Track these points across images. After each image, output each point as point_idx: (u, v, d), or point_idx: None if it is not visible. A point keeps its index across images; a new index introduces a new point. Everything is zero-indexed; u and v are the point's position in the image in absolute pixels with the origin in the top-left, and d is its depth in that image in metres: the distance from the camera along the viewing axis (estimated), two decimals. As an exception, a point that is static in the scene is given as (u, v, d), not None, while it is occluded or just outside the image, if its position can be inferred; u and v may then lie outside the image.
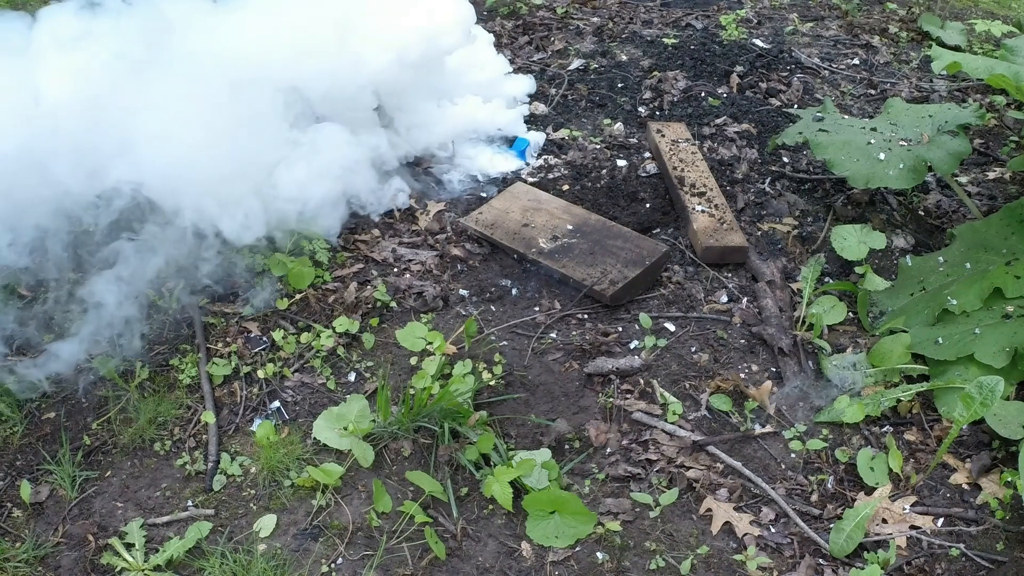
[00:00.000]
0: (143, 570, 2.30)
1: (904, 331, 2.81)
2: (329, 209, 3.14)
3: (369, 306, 3.00)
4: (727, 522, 2.41)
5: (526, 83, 4.08)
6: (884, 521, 2.41)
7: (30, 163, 2.36)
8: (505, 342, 2.90)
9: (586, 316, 3.00)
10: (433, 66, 3.26)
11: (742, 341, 2.92)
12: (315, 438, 2.60)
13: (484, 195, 3.51)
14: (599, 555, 2.34)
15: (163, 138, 2.47)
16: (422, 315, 2.98)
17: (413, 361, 2.81)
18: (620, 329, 2.95)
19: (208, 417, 2.67)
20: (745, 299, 3.06)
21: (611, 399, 2.70)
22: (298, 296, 3.02)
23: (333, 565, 2.33)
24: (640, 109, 4.09)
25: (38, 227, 2.66)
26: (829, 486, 2.51)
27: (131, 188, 2.63)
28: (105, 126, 2.44)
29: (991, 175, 3.71)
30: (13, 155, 2.32)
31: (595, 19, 4.89)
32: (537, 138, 3.77)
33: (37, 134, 2.34)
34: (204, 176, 2.61)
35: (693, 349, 2.89)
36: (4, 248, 2.58)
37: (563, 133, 3.90)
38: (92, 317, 2.79)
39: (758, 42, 4.64)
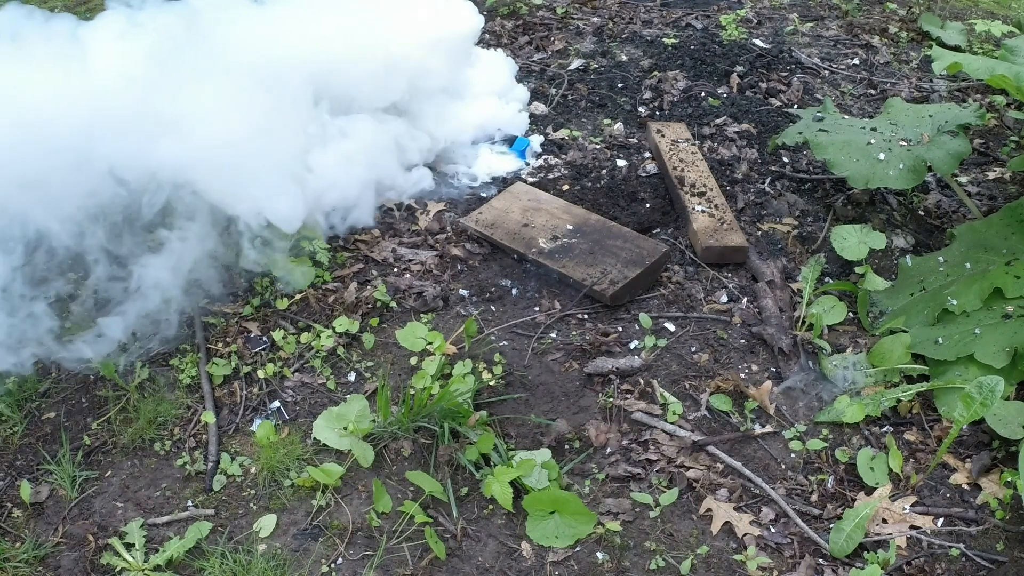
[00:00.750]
0: (143, 570, 2.30)
1: (904, 331, 2.81)
2: (363, 193, 3.25)
3: (369, 306, 3.00)
4: (727, 522, 2.41)
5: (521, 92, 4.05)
6: (884, 521, 2.41)
7: (82, 150, 2.46)
8: (505, 342, 2.90)
9: (586, 316, 3.00)
10: (443, 69, 3.44)
11: (742, 341, 2.92)
12: (315, 438, 2.60)
13: (484, 195, 3.51)
14: (599, 555, 2.34)
15: (207, 126, 2.59)
16: (422, 315, 2.98)
17: (413, 361, 2.81)
18: (620, 329, 2.95)
19: (208, 417, 2.67)
20: (745, 299, 3.06)
21: (611, 399, 2.70)
22: (298, 296, 3.02)
23: (333, 565, 2.33)
24: (640, 109, 4.09)
25: (88, 209, 2.73)
26: (829, 486, 2.51)
27: (175, 174, 2.70)
28: (153, 114, 2.55)
29: (991, 175, 3.72)
30: (66, 142, 2.42)
31: (595, 19, 4.89)
32: (533, 143, 3.77)
33: (92, 121, 2.45)
34: (248, 163, 2.73)
35: (693, 349, 2.89)
36: (56, 227, 2.63)
37: (563, 133, 3.90)
38: (137, 299, 2.83)
39: (758, 42, 4.64)
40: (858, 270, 3.11)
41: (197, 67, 2.63)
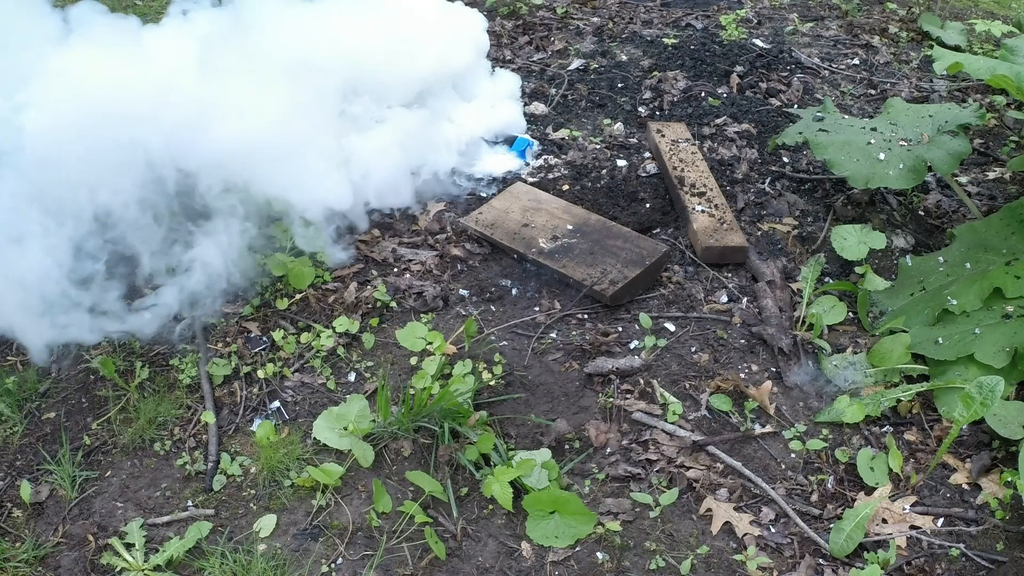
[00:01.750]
0: (143, 570, 2.30)
1: (904, 331, 2.81)
2: (401, 179, 3.36)
3: (369, 306, 3.00)
4: (727, 522, 2.41)
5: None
6: (884, 521, 2.41)
7: (142, 135, 2.62)
8: (505, 342, 2.90)
9: (586, 316, 3.00)
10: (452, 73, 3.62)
11: (742, 341, 2.92)
12: (315, 438, 2.60)
13: (484, 195, 3.51)
14: (599, 555, 2.34)
15: (258, 115, 2.77)
16: (422, 315, 2.98)
17: (413, 361, 2.81)
18: (620, 329, 2.95)
19: (208, 417, 2.67)
20: (745, 299, 3.06)
21: (611, 399, 2.70)
22: (298, 296, 3.02)
23: (333, 565, 2.33)
24: (640, 109, 4.09)
25: (145, 189, 2.83)
26: (829, 486, 2.51)
27: (228, 159, 2.83)
28: (209, 103, 2.73)
29: (991, 175, 3.72)
30: (129, 128, 2.59)
31: (595, 19, 4.89)
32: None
33: (152, 108, 2.62)
34: (298, 149, 2.91)
35: (693, 349, 2.89)
36: (114, 204, 2.72)
37: (563, 133, 3.90)
38: (190, 274, 2.92)
39: (758, 42, 4.64)
40: (858, 270, 3.11)
41: (249, 61, 2.84)
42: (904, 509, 2.43)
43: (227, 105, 2.73)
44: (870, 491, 2.48)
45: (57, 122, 2.46)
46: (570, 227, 3.22)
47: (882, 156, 3.13)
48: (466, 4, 4.93)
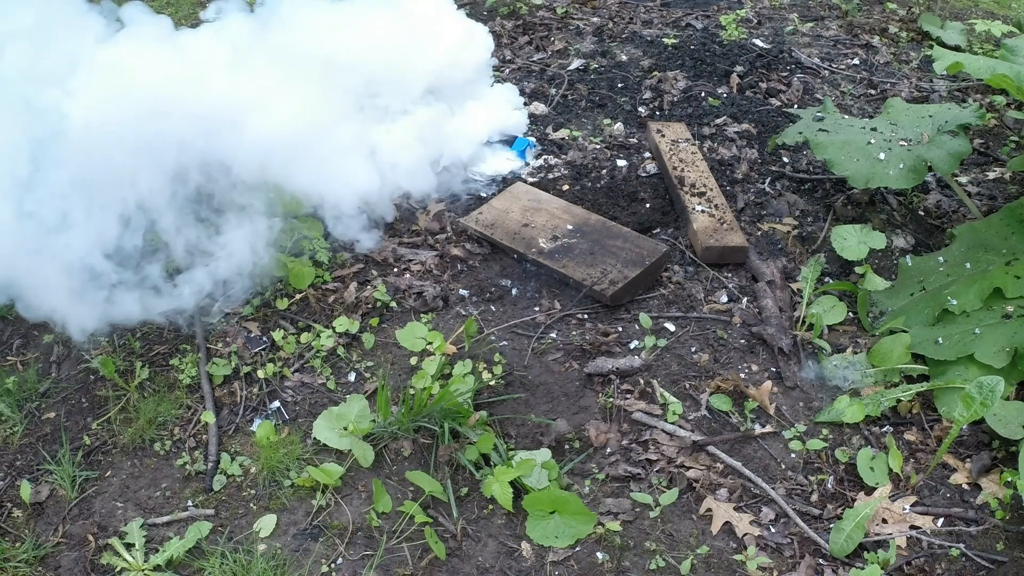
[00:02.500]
0: (143, 570, 2.31)
1: (904, 331, 2.81)
2: (425, 170, 3.44)
3: (369, 306, 3.00)
4: (727, 522, 2.41)
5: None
6: (884, 521, 2.41)
7: (181, 128, 2.74)
8: (505, 342, 2.90)
9: (586, 316, 3.00)
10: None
11: (742, 341, 2.92)
12: (315, 438, 2.60)
13: (484, 195, 3.51)
14: (599, 555, 2.34)
15: (288, 111, 2.90)
16: (422, 315, 2.98)
17: (413, 361, 2.81)
18: (620, 329, 2.95)
19: (208, 417, 2.67)
20: (745, 299, 3.06)
21: (611, 399, 2.70)
22: (298, 296, 3.02)
23: (333, 565, 2.33)
24: (640, 109, 4.09)
25: (182, 179, 2.91)
26: (829, 486, 2.51)
27: (261, 152, 2.92)
28: (243, 99, 2.87)
29: (991, 175, 3.71)
30: (169, 120, 2.71)
31: (595, 19, 4.89)
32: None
33: (192, 103, 2.76)
34: (326, 141, 3.05)
35: (693, 349, 2.89)
36: (147, 193, 2.79)
37: (563, 133, 3.90)
38: (221, 259, 2.96)
39: (758, 42, 4.64)
40: (858, 270, 3.11)
41: (281, 60, 3.00)
42: (904, 509, 2.43)
43: (262, 100, 2.87)
44: (870, 491, 2.48)
45: (102, 112, 2.58)
46: (570, 227, 3.22)
47: (882, 156, 3.13)
48: (466, 4, 4.95)
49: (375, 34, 3.19)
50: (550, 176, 3.63)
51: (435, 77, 3.47)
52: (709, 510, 2.44)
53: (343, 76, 3.11)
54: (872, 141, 3.21)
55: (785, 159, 3.76)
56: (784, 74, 4.35)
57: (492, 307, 3.04)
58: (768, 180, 3.62)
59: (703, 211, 3.28)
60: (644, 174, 3.63)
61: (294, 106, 2.90)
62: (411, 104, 3.43)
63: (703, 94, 4.16)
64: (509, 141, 3.76)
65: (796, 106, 4.07)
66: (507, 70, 4.38)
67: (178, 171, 2.83)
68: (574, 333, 2.93)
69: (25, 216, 2.57)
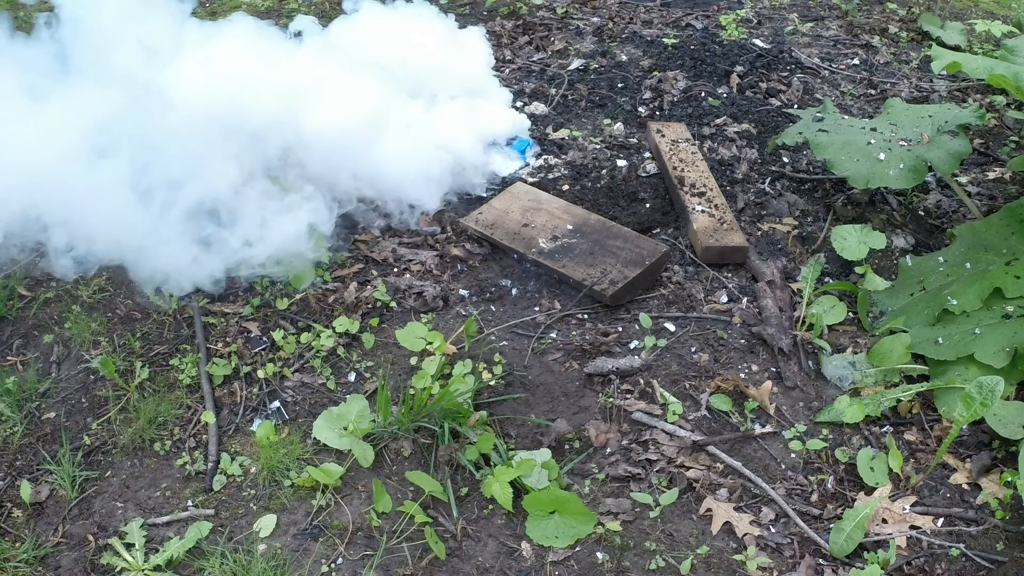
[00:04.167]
0: (143, 570, 2.31)
1: (904, 331, 2.81)
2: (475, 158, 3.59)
3: (369, 306, 3.00)
4: (727, 522, 2.41)
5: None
6: (884, 521, 2.41)
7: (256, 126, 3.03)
8: (505, 342, 2.90)
9: (586, 316, 3.00)
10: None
11: (742, 341, 2.92)
12: (315, 438, 2.60)
13: (484, 195, 3.51)
14: (599, 555, 2.34)
15: (344, 109, 3.18)
16: (422, 315, 2.98)
17: (413, 361, 2.81)
18: (620, 329, 2.95)
19: (208, 417, 2.67)
20: (745, 299, 3.06)
21: (611, 399, 2.70)
22: (298, 296, 3.02)
23: (333, 565, 2.33)
24: (640, 109, 4.09)
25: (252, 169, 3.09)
26: (829, 486, 2.51)
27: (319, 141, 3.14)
28: (304, 97, 3.15)
29: (991, 175, 3.71)
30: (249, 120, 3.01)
31: (595, 19, 4.89)
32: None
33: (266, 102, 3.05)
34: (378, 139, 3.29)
35: (693, 349, 2.89)
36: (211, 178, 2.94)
37: (563, 133, 3.90)
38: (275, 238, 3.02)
39: (758, 42, 4.64)
40: (858, 270, 3.11)
41: (339, 65, 3.31)
42: (904, 509, 2.43)
43: (325, 98, 3.16)
44: (870, 491, 2.48)
45: (193, 100, 2.88)
46: (570, 227, 3.22)
47: (882, 156, 3.13)
48: (466, 4, 4.96)
49: (412, 44, 3.57)
50: (550, 176, 3.63)
51: (450, 78, 3.68)
52: (709, 510, 2.44)
53: (389, 78, 3.42)
54: (872, 141, 3.21)
55: (785, 159, 3.76)
56: (784, 74, 4.35)
57: (492, 307, 3.04)
58: (768, 180, 3.62)
59: (703, 211, 3.28)
60: (644, 174, 3.63)
61: (353, 106, 3.20)
62: (439, 103, 3.60)
63: (703, 94, 4.16)
64: (509, 141, 3.75)
65: (796, 106, 4.07)
66: (507, 70, 4.37)
67: (258, 157, 3.06)
68: (574, 333, 2.93)
69: (137, 185, 2.80)
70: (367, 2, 3.74)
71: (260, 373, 2.80)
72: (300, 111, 3.11)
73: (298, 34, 3.49)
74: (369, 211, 3.34)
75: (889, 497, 2.46)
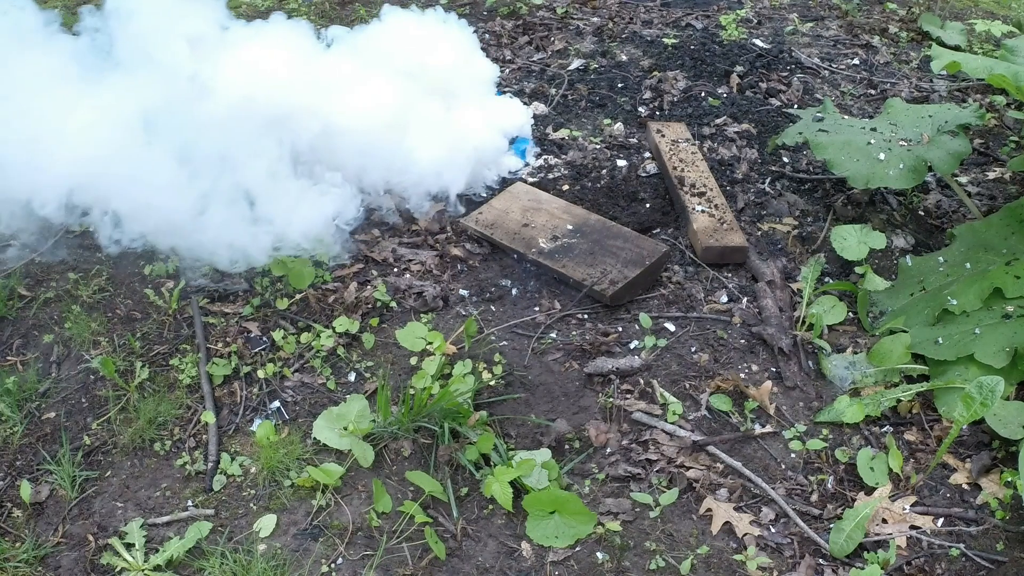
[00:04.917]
0: (143, 570, 2.31)
1: (904, 331, 2.81)
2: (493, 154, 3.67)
3: (369, 306, 3.00)
4: (727, 522, 2.41)
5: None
6: (884, 521, 2.41)
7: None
8: (505, 342, 2.90)
9: (586, 316, 3.00)
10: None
11: (742, 341, 2.92)
12: (315, 438, 2.60)
13: (484, 195, 3.51)
14: (599, 555, 2.34)
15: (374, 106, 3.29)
16: (422, 315, 2.98)
17: (413, 361, 2.81)
18: (620, 329, 2.95)
19: (208, 417, 2.67)
20: (745, 299, 3.06)
21: (611, 399, 2.70)
22: (298, 296, 3.02)
23: (333, 565, 2.33)
24: (640, 109, 4.09)
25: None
26: (829, 486, 2.51)
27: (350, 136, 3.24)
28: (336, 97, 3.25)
29: (991, 175, 3.72)
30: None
31: (595, 19, 4.89)
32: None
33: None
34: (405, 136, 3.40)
35: (693, 349, 2.89)
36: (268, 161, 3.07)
37: (563, 133, 3.90)
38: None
39: (758, 42, 4.64)
40: (858, 270, 3.11)
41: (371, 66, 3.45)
42: (904, 509, 2.43)
43: (355, 95, 3.27)
44: (870, 491, 2.48)
45: (228, 93, 2.99)
46: (570, 227, 3.22)
47: (882, 156, 3.13)
48: (466, 4, 4.96)
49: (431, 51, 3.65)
50: (550, 176, 3.63)
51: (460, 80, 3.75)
52: (709, 510, 2.44)
53: (410, 82, 3.52)
54: (872, 141, 3.21)
55: (785, 159, 3.76)
56: (784, 74, 4.35)
57: (492, 307, 3.04)
58: (768, 180, 3.62)
59: (703, 211, 3.28)
60: (644, 174, 3.63)
61: (382, 105, 3.31)
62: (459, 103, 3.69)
63: (703, 94, 4.16)
64: (509, 141, 3.75)
65: (796, 106, 4.07)
66: (507, 70, 4.37)
67: (291, 149, 3.16)
68: (574, 333, 2.93)
69: (183, 170, 2.91)
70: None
71: (260, 373, 2.79)
72: (330, 105, 3.22)
73: (329, 45, 3.60)
74: (387, 199, 3.42)
75: (889, 497, 2.46)
